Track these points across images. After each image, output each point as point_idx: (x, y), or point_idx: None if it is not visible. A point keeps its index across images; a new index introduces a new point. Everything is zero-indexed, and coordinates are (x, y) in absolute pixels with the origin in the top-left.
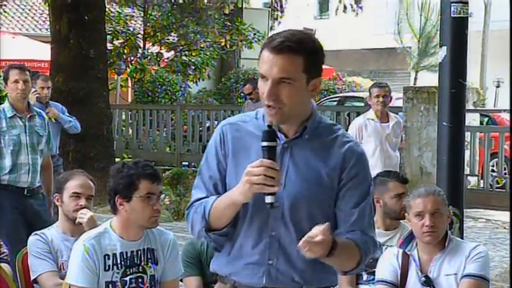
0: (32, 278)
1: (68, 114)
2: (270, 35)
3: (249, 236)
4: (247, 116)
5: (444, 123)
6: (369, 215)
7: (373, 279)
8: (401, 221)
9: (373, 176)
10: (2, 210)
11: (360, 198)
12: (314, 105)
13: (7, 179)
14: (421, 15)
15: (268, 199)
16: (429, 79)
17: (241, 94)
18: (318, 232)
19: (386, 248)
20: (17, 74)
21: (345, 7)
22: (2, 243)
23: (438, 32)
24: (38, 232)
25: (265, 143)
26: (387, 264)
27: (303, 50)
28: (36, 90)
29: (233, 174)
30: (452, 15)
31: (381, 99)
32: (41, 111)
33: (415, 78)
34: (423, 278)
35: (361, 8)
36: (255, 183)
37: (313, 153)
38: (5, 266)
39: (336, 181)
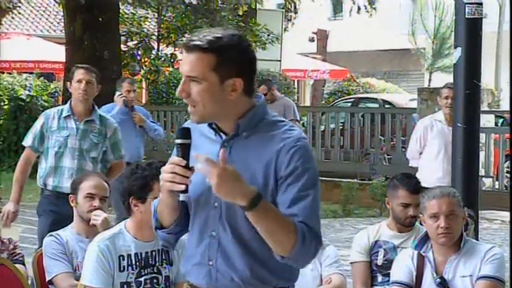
0: (47, 279)
1: (152, 120)
2: (282, 35)
3: (193, 236)
4: None
5: (459, 125)
6: (312, 207)
7: (388, 280)
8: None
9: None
10: (42, 215)
11: (300, 191)
12: (258, 102)
13: (50, 183)
14: (435, 16)
15: (180, 197)
16: (443, 80)
17: None
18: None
19: (401, 250)
20: (81, 74)
21: (358, 8)
22: (17, 243)
23: (453, 33)
24: (53, 233)
25: (178, 141)
26: (402, 266)
27: (214, 48)
28: (122, 94)
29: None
30: (466, 16)
31: (449, 100)
32: (108, 117)
33: (429, 80)
34: (438, 280)
35: (374, 9)
36: (166, 181)
37: (250, 151)
38: (20, 267)
39: (271, 179)
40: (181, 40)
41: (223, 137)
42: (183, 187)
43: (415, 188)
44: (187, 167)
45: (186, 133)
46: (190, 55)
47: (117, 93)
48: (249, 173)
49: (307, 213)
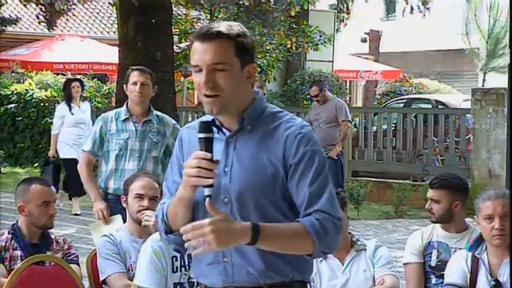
0: (101, 279)
1: None
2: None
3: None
4: (206, 118)
5: None
6: (326, 191)
7: (442, 282)
8: (470, 224)
9: None
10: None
11: (313, 177)
12: (257, 95)
13: (111, 186)
14: (489, 16)
15: (206, 191)
16: (498, 81)
17: (307, 96)
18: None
19: (455, 250)
20: (137, 76)
21: (412, 8)
22: (72, 243)
23: (507, 33)
24: (106, 234)
25: (201, 135)
26: (456, 268)
27: (231, 34)
28: None
29: None
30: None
31: None
32: (165, 116)
33: (484, 80)
34: (493, 282)
35: (428, 9)
36: (191, 176)
37: (256, 144)
38: (75, 267)
39: (281, 169)
40: None
41: (226, 133)
42: (211, 181)
43: (433, 182)
44: (212, 160)
45: (207, 127)
46: (212, 43)
47: None
48: (258, 165)
49: (322, 201)
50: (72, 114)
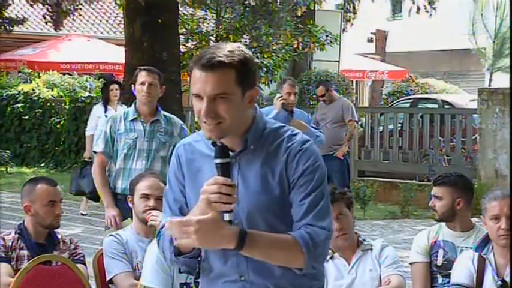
0: (107, 279)
1: (313, 125)
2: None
3: (216, 256)
4: (200, 135)
5: None
6: (320, 205)
7: (449, 282)
8: (476, 223)
9: None
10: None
11: (309, 191)
12: (256, 113)
13: (119, 186)
14: (496, 15)
15: (226, 217)
16: (504, 81)
17: (314, 96)
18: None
19: (461, 250)
20: (145, 76)
21: (418, 8)
22: (78, 243)
23: None
24: (113, 233)
25: (218, 160)
26: (463, 268)
27: (232, 62)
28: (281, 96)
29: (192, 196)
30: None
31: None
32: (172, 116)
33: (490, 80)
34: (500, 282)
35: (434, 8)
36: (212, 202)
37: (260, 163)
38: (81, 267)
39: (285, 186)
40: (240, 41)
41: (231, 154)
42: (232, 207)
43: (436, 179)
44: (231, 185)
45: (224, 151)
46: (213, 74)
47: (277, 95)
48: (264, 186)
49: (314, 213)
50: (106, 116)
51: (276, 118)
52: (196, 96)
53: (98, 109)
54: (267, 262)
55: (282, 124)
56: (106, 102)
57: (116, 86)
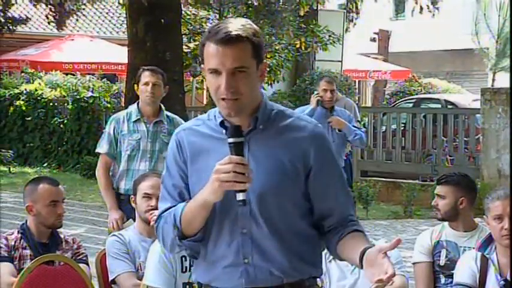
0: (110, 279)
1: (355, 124)
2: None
3: (220, 237)
4: (200, 119)
5: None
6: (347, 196)
7: (451, 282)
8: (480, 223)
9: None
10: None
11: (342, 184)
12: (263, 93)
13: (122, 186)
14: (499, 15)
15: (240, 196)
16: (507, 80)
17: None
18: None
19: (464, 250)
20: (148, 76)
21: (421, 8)
22: (81, 243)
23: None
24: (115, 233)
25: (231, 139)
26: (466, 268)
27: (248, 36)
28: (318, 93)
29: (196, 180)
30: None
31: None
32: (175, 116)
33: (493, 80)
34: (502, 282)
35: (437, 8)
36: (225, 181)
37: (271, 142)
38: (84, 267)
39: (301, 168)
40: None
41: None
42: (248, 186)
43: (441, 178)
44: (246, 164)
45: (237, 131)
46: (231, 47)
47: (315, 92)
48: (277, 165)
49: (350, 205)
50: None
51: (311, 115)
52: (213, 72)
53: None
54: (272, 247)
55: (286, 108)
56: None
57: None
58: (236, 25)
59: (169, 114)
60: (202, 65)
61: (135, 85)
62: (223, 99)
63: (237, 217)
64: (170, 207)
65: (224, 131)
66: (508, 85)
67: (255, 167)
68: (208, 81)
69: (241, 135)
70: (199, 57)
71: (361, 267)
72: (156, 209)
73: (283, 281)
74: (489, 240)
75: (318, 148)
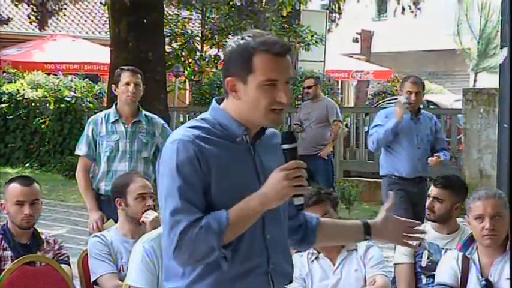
0: (92, 280)
1: (442, 136)
2: (326, 36)
3: (244, 244)
4: (201, 128)
5: (505, 125)
6: None
7: (433, 282)
8: (461, 224)
9: None
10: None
11: None
12: None
13: (103, 187)
14: (481, 16)
15: (299, 201)
16: (489, 81)
17: (299, 96)
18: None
19: (445, 251)
20: (128, 76)
21: (403, 8)
22: (63, 244)
23: (498, 33)
24: (97, 234)
25: (285, 146)
26: (447, 268)
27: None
28: (401, 100)
29: (221, 189)
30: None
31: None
32: (154, 116)
33: (475, 80)
34: (484, 282)
35: (419, 9)
36: (291, 186)
37: (268, 150)
38: (66, 267)
39: None
40: (225, 41)
41: (248, 141)
42: (308, 189)
43: (437, 181)
44: (305, 169)
45: (292, 137)
46: (285, 59)
47: (402, 99)
48: (275, 168)
49: None
50: None
51: (395, 128)
52: (269, 84)
53: None
54: (287, 249)
55: None
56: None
57: None
58: (273, 37)
59: (148, 114)
60: (235, 75)
61: (114, 85)
62: (274, 110)
63: (264, 222)
64: (197, 219)
65: (242, 138)
66: (489, 85)
67: (263, 172)
68: (260, 93)
69: (295, 141)
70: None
71: (365, 238)
72: (151, 208)
73: (287, 282)
74: (470, 241)
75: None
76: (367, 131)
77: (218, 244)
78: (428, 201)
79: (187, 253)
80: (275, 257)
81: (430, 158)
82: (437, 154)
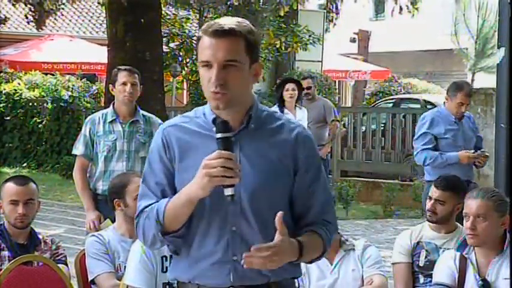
0: (89, 279)
1: (480, 135)
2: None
3: (208, 234)
4: (186, 116)
5: (502, 125)
6: (326, 199)
7: (430, 282)
8: (458, 224)
9: None
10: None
11: (324, 186)
12: (254, 95)
13: (100, 187)
14: (478, 16)
15: (228, 191)
16: (486, 81)
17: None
18: (266, 246)
19: (443, 251)
20: (125, 76)
21: (400, 8)
22: (60, 244)
23: (496, 33)
24: (95, 233)
25: (219, 135)
26: (444, 268)
27: (242, 31)
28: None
29: (183, 177)
30: (510, 15)
31: None
32: (151, 115)
33: (472, 80)
34: (481, 282)
35: (417, 9)
36: (215, 176)
37: (262, 142)
38: (63, 267)
39: (290, 168)
40: None
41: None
42: (237, 180)
43: (440, 183)
44: (234, 159)
45: (226, 126)
46: (223, 40)
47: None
48: (269, 164)
49: (325, 209)
50: None
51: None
52: (205, 65)
53: None
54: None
55: (275, 110)
56: (281, 104)
57: (293, 85)
58: (231, 21)
59: (145, 113)
60: (197, 61)
61: (111, 85)
62: (212, 92)
63: (227, 214)
64: (151, 204)
65: (214, 128)
66: (486, 85)
67: (247, 166)
68: (200, 75)
69: (229, 131)
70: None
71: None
72: None
73: (270, 280)
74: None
75: (305, 150)
76: (365, 131)
77: (157, 231)
78: (429, 203)
79: (141, 237)
80: (238, 251)
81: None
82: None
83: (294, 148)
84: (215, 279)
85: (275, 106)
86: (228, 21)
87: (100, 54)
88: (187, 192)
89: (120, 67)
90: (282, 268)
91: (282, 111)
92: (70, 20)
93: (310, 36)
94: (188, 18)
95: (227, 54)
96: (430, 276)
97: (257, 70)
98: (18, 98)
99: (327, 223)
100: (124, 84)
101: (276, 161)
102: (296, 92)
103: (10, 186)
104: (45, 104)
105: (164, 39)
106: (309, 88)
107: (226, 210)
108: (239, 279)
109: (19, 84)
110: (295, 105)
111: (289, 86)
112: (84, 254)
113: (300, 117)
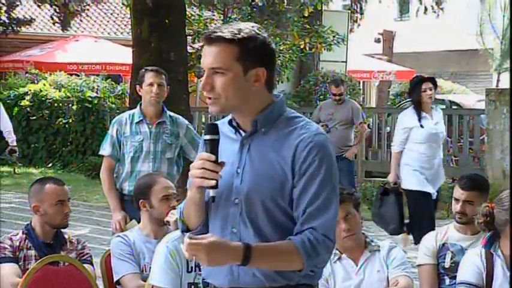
0: (114, 280)
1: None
2: (348, 36)
3: (215, 234)
4: (223, 122)
5: None
6: (330, 209)
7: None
8: None
9: None
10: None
11: (317, 191)
12: (277, 99)
13: (126, 188)
14: (503, 16)
15: (210, 193)
16: None
17: (321, 96)
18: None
19: None
20: (152, 77)
21: (425, 9)
22: (86, 244)
23: None
24: (120, 234)
25: (207, 137)
26: (470, 265)
27: (234, 38)
28: None
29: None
30: None
31: None
32: (178, 116)
33: (498, 80)
34: (509, 273)
35: (442, 9)
36: (196, 177)
37: (269, 146)
38: (88, 267)
39: (289, 174)
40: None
41: (243, 134)
42: (213, 182)
43: (465, 184)
44: (216, 162)
45: (214, 129)
46: (213, 47)
47: None
48: (268, 169)
49: (323, 222)
50: (421, 126)
51: None
52: (204, 72)
53: (408, 117)
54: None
55: (301, 115)
56: (418, 106)
57: (430, 84)
58: (230, 28)
59: (172, 114)
60: None
61: (138, 86)
62: (207, 96)
63: (228, 216)
64: None
65: (233, 130)
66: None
67: (249, 169)
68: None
69: (217, 133)
70: None
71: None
72: (175, 208)
73: (266, 285)
74: (494, 237)
75: (307, 154)
76: (390, 131)
77: (181, 227)
78: (458, 204)
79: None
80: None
81: None
82: None
83: (293, 154)
84: (217, 280)
85: (410, 109)
86: (225, 29)
87: (124, 55)
88: (188, 192)
89: (147, 67)
90: (278, 273)
91: (420, 116)
92: (95, 21)
93: (334, 36)
94: (212, 19)
95: (213, 62)
96: (456, 278)
97: (259, 76)
98: (43, 98)
99: (313, 230)
100: (151, 85)
101: (277, 167)
102: (433, 91)
103: (53, 187)
104: (70, 105)
105: (189, 39)
106: (340, 94)
107: (228, 212)
108: (234, 282)
109: (44, 85)
110: (433, 108)
111: (427, 85)
112: (110, 254)
113: (437, 119)
